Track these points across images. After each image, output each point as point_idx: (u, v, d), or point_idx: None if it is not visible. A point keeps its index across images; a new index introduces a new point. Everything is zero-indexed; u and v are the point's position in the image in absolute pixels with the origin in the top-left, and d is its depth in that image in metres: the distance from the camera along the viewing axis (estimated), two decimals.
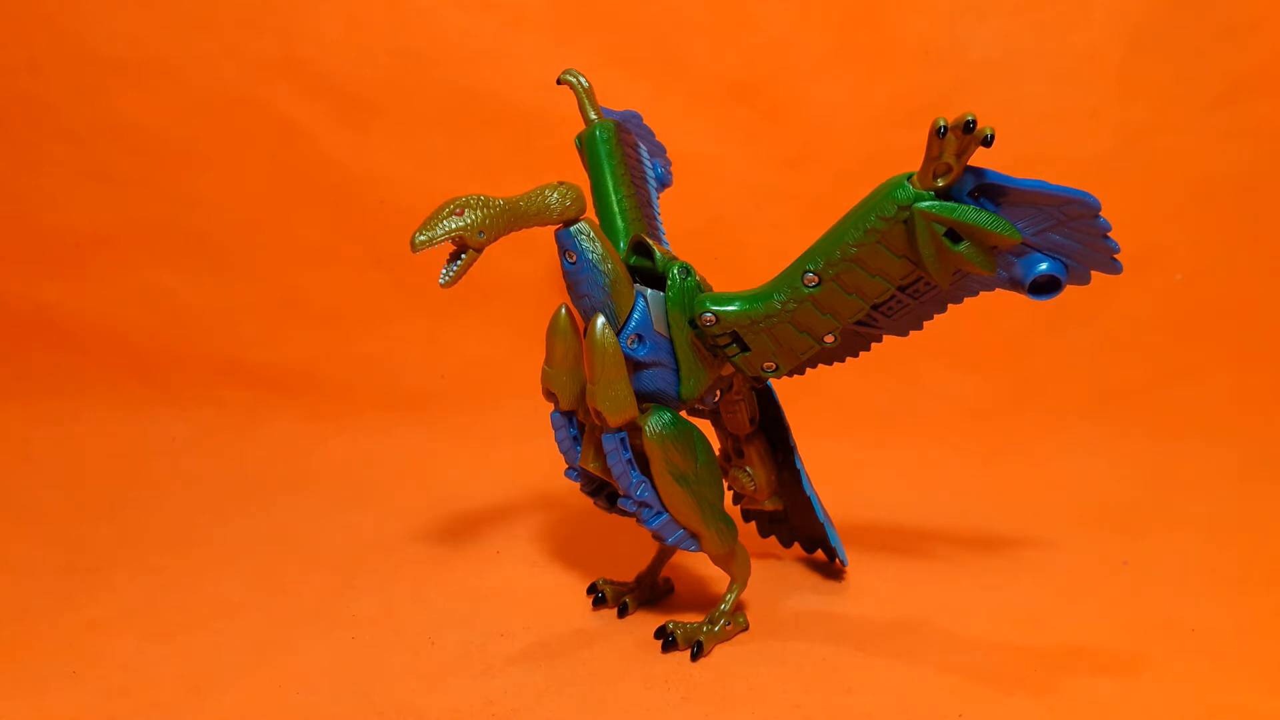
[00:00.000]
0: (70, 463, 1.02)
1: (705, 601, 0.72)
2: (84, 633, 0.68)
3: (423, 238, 0.53)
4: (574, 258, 0.58)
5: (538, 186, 0.57)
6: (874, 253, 0.55)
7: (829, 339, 0.60)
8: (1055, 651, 0.63)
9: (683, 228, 0.81)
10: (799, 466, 0.72)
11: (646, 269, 0.63)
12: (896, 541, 0.81)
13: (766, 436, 0.71)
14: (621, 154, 0.71)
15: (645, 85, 1.06)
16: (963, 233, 0.52)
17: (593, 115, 0.72)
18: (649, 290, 0.61)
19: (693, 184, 0.91)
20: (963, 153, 0.50)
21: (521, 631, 0.67)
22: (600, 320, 0.58)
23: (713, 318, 0.60)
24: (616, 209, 0.69)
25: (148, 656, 0.64)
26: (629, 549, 0.79)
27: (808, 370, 0.65)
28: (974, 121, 0.49)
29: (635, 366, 0.61)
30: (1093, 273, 0.54)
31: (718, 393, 0.66)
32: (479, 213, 0.55)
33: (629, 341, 0.59)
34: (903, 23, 1.05)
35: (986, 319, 0.94)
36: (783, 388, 0.73)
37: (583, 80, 0.73)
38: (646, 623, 0.68)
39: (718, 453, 0.70)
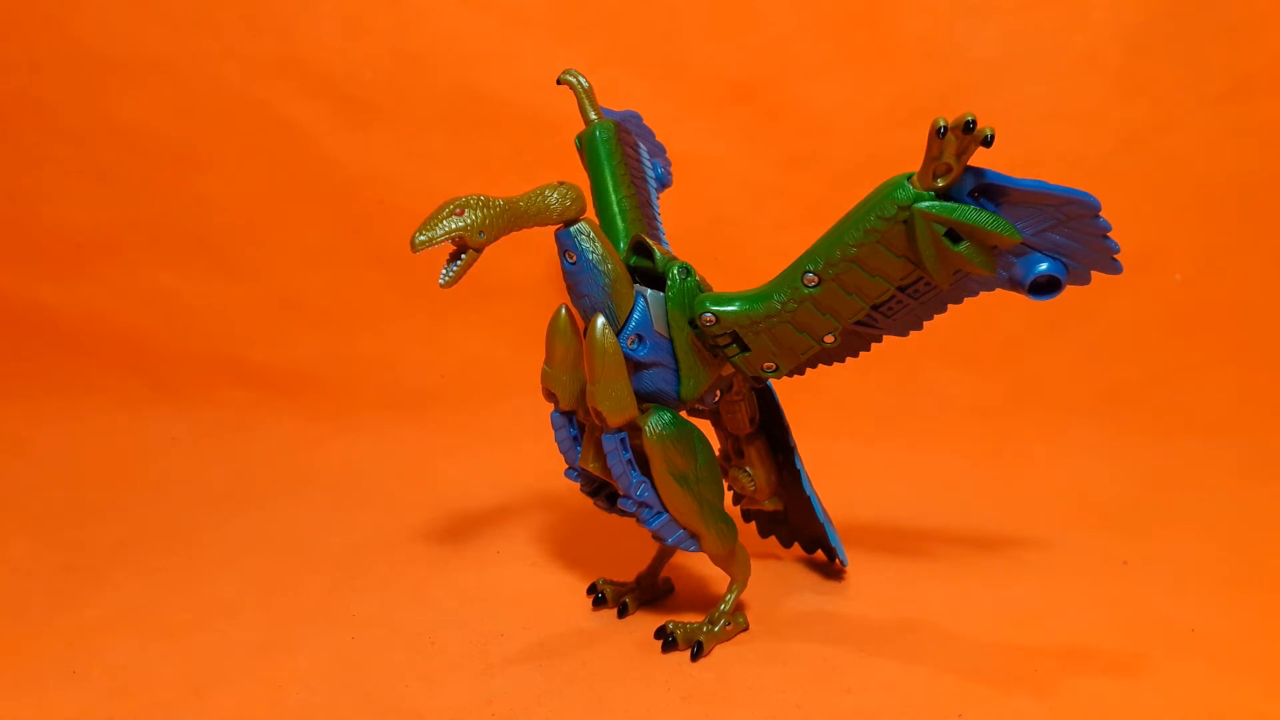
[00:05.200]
0: (70, 463, 1.02)
1: (705, 601, 0.72)
2: (84, 633, 0.68)
3: (423, 238, 0.53)
4: (574, 258, 0.58)
5: (538, 186, 0.57)
6: (874, 253, 0.55)
7: (829, 339, 0.60)
8: (1055, 651, 0.63)
9: (683, 228, 0.81)
10: (799, 466, 0.72)
11: (646, 269, 0.63)
12: (896, 541, 0.81)
13: (766, 436, 0.71)
14: (621, 154, 0.71)
15: (645, 85, 1.06)
16: (963, 233, 0.52)
17: (593, 115, 0.72)
18: (649, 290, 0.61)
19: (693, 184, 0.91)
20: (963, 153, 0.50)
21: (521, 631, 0.67)
22: (600, 320, 0.58)
23: (713, 318, 0.60)
24: (616, 209, 0.69)
25: (148, 656, 0.64)
26: (629, 549, 0.79)
27: (808, 370, 0.65)
28: (974, 122, 0.49)
29: (635, 366, 0.61)
30: (1093, 273, 0.54)
31: (718, 393, 0.66)
32: (479, 213, 0.55)
33: (629, 341, 0.59)
34: (903, 23, 1.05)
35: (986, 319, 0.94)
36: (783, 388, 0.73)
37: (583, 80, 0.73)
38: (646, 623, 0.68)
39: (718, 453, 0.70)
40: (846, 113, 1.07)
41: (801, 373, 0.65)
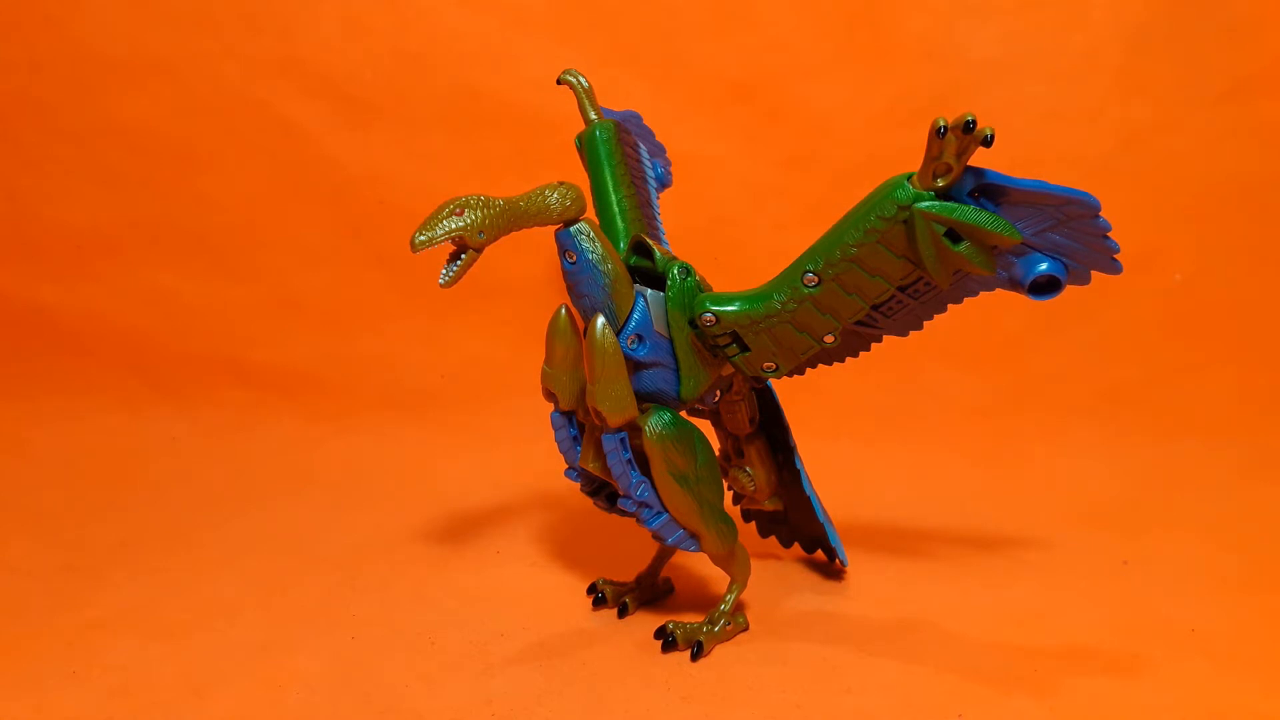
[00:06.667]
0: (70, 463, 1.02)
1: (705, 601, 0.72)
2: (84, 633, 0.68)
3: (423, 238, 0.53)
4: (574, 258, 0.58)
5: (538, 186, 0.57)
6: (874, 253, 0.55)
7: (829, 339, 0.60)
8: (1055, 651, 0.63)
9: (683, 228, 0.81)
10: (799, 466, 0.72)
11: (646, 269, 0.63)
12: (896, 541, 0.81)
13: (766, 436, 0.72)
14: (621, 154, 0.71)
15: (645, 85, 1.06)
16: (963, 233, 0.52)
17: (593, 115, 0.72)
18: (649, 290, 0.61)
19: (693, 184, 0.91)
20: (963, 153, 0.50)
21: (521, 631, 0.67)
22: (600, 320, 0.58)
23: (713, 318, 0.60)
24: (616, 209, 0.69)
25: (148, 656, 0.64)
26: (629, 549, 0.79)
27: (808, 370, 0.65)
28: (974, 122, 0.49)
29: (635, 366, 0.61)
30: (1093, 273, 0.54)
31: (718, 393, 0.67)
32: (479, 213, 0.55)
33: (629, 341, 0.60)
34: (903, 23, 1.05)
35: (986, 319, 0.94)
36: (783, 388, 0.73)
37: (583, 80, 0.73)
38: (646, 623, 0.68)
39: (718, 453, 0.70)
40: (846, 113, 1.07)
41: (801, 373, 0.65)
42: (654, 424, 0.60)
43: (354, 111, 1.09)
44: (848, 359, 0.64)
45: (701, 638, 0.64)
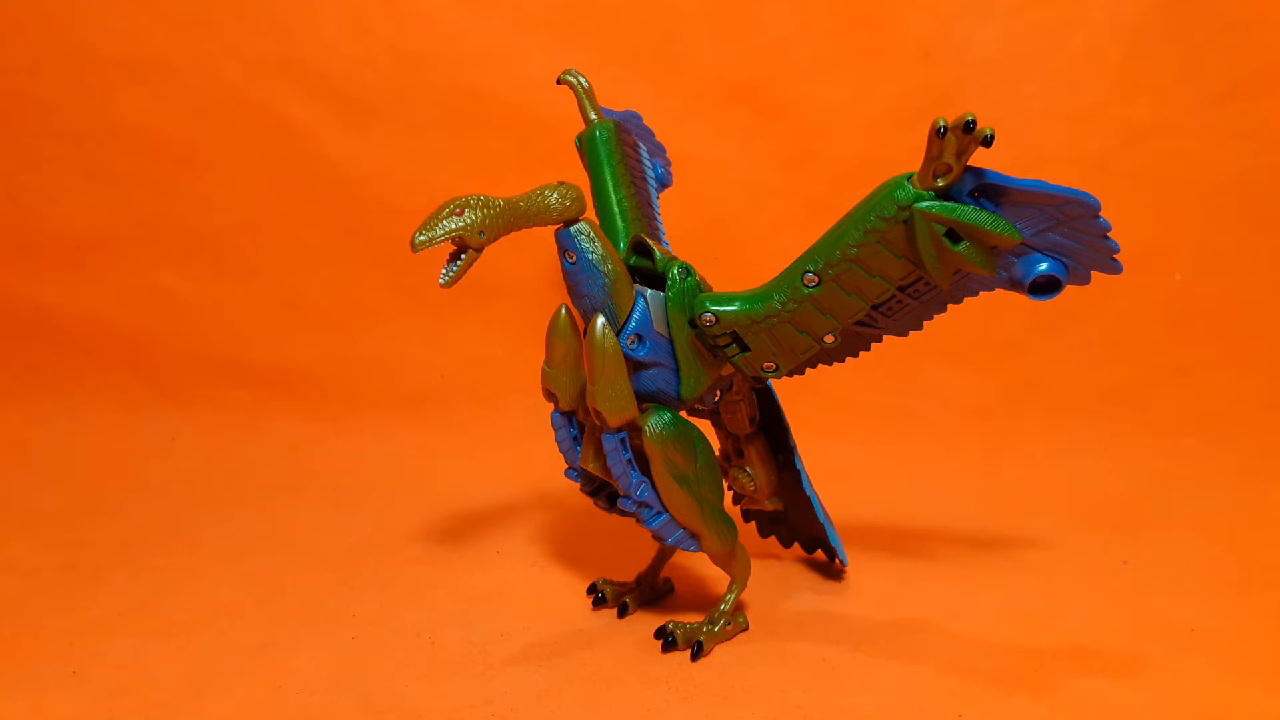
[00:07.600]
0: (70, 463, 1.02)
1: (705, 601, 0.72)
2: (84, 633, 0.68)
3: (423, 238, 0.53)
4: (574, 258, 0.58)
5: (538, 186, 0.57)
6: (874, 253, 0.55)
7: (829, 339, 0.60)
8: (1055, 651, 0.63)
9: (683, 228, 0.81)
10: (799, 466, 0.72)
11: (646, 269, 0.63)
12: (896, 541, 0.81)
13: (766, 436, 0.72)
14: (621, 154, 0.71)
15: (645, 85, 1.06)
16: (963, 233, 0.52)
17: (593, 115, 0.72)
18: (649, 290, 0.61)
19: (693, 184, 0.91)
20: (962, 153, 0.50)
21: (521, 631, 0.67)
22: (600, 320, 0.58)
23: (713, 318, 0.60)
24: (616, 209, 0.69)
25: (148, 656, 0.64)
26: (629, 549, 0.79)
27: (808, 370, 0.65)
28: (974, 122, 0.49)
29: (635, 366, 0.61)
30: (1093, 273, 0.54)
31: (718, 393, 0.67)
32: (479, 213, 0.55)
33: (629, 341, 0.60)
34: (903, 23, 1.05)
35: (986, 319, 0.94)
36: (783, 388, 0.73)
37: (583, 80, 0.73)
38: (646, 623, 0.68)
39: (718, 453, 0.70)
40: (846, 113, 1.07)
41: (801, 373, 0.65)
42: (654, 424, 0.60)
43: (354, 111, 1.09)
44: (848, 359, 0.64)
45: (701, 638, 0.64)
